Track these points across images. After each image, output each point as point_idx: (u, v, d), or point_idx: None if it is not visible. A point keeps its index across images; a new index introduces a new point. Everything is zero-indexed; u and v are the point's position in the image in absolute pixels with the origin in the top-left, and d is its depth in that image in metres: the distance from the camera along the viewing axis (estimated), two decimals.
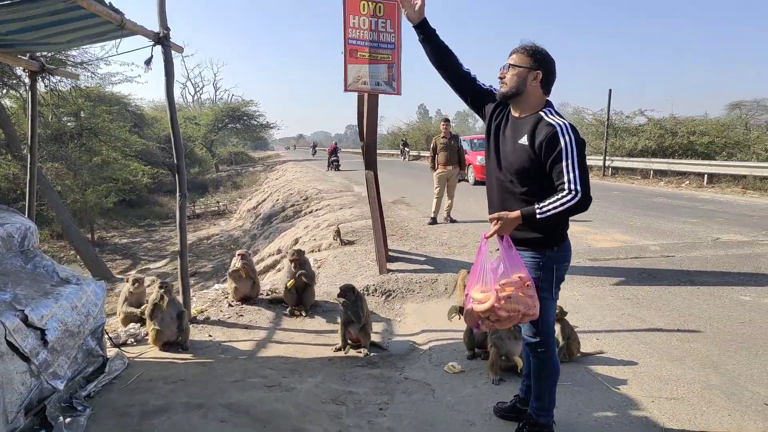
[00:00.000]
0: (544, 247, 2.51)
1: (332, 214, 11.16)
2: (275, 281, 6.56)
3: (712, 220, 9.47)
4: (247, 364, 3.85)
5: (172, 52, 4.50)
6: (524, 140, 2.45)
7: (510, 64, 2.51)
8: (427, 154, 10.76)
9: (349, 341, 4.14)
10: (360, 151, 6.59)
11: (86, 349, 3.43)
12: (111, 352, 3.88)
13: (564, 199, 2.30)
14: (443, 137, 9.36)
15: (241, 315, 4.95)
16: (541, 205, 2.34)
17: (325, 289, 5.65)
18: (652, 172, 18.66)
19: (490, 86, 2.78)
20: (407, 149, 36.12)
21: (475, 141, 17.81)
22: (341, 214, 10.84)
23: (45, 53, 8.09)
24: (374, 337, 4.32)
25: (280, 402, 3.21)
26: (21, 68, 5.47)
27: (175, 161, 4.75)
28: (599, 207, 10.52)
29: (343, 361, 3.95)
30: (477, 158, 15.50)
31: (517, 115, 2.56)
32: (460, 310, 3.81)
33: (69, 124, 18.82)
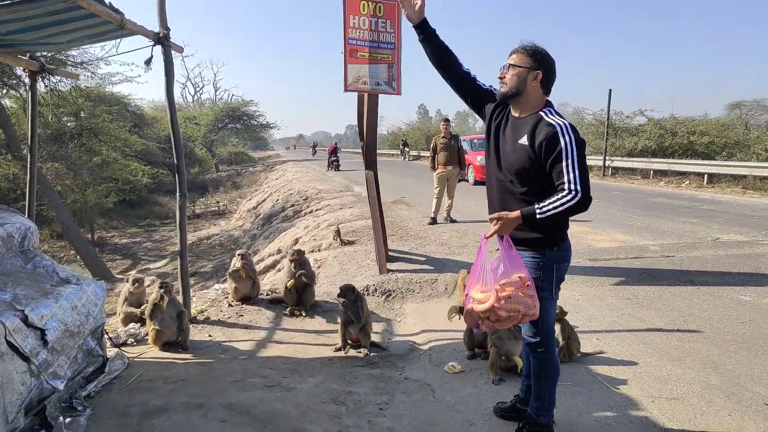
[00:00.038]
0: (544, 247, 2.51)
1: (332, 214, 11.15)
2: (275, 281, 6.56)
3: (712, 220, 9.47)
4: (247, 364, 3.85)
5: (172, 52, 4.50)
6: (524, 140, 2.45)
7: (510, 64, 2.51)
8: (427, 154, 10.76)
9: (349, 341, 4.14)
10: (360, 151, 6.59)
11: (86, 349, 3.43)
12: (111, 352, 3.88)
13: (564, 199, 2.30)
14: (443, 137, 9.36)
15: (241, 315, 4.95)
16: (541, 205, 2.34)
17: (325, 289, 5.65)
18: (652, 172, 18.66)
19: (490, 86, 2.78)
20: (407, 149, 36.13)
21: (475, 141, 17.81)
22: (341, 214, 10.84)
23: (45, 53, 8.09)
24: (374, 337, 4.32)
25: (280, 402, 3.21)
26: (21, 68, 5.47)
27: (175, 161, 4.74)
28: (599, 207, 10.53)
29: (343, 361, 3.95)
30: (477, 158, 15.49)
31: (517, 115, 2.56)
32: (460, 310, 3.81)
33: (69, 124, 18.82)
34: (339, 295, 4.07)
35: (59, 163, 17.29)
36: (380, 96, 5.87)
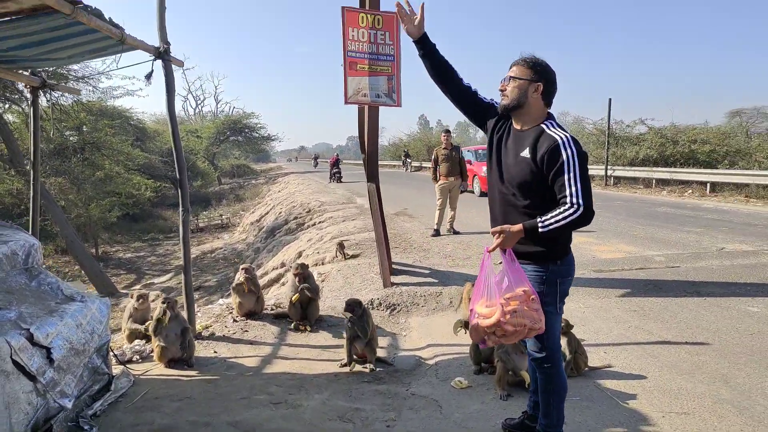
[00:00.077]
0: (547, 260, 2.50)
1: (335, 226, 11.15)
2: (279, 295, 6.54)
3: (716, 229, 9.45)
4: (253, 380, 3.83)
5: (173, 66, 4.52)
6: (526, 153, 2.45)
7: (510, 77, 2.52)
8: (429, 164, 10.78)
9: (354, 356, 4.11)
10: (362, 162, 6.59)
11: (92, 367, 3.41)
12: (116, 369, 3.86)
13: (566, 213, 2.29)
14: (444, 148, 9.38)
15: (246, 330, 4.93)
16: (543, 218, 2.33)
17: (330, 303, 5.63)
18: (654, 181, 18.65)
19: (491, 99, 2.78)
20: (409, 160, 36.22)
21: (480, 152, 17.83)
22: (344, 226, 10.83)
23: (46, 68, 8.15)
24: (380, 352, 4.29)
25: (286, 420, 3.18)
26: (23, 84, 5.50)
27: (178, 176, 4.75)
28: (602, 217, 10.51)
29: (349, 377, 3.92)
30: (483, 169, 15.50)
31: (518, 127, 2.56)
32: (466, 324, 3.80)
33: (72, 138, 18.89)
34: (346, 310, 4.04)
35: (62, 178, 17.34)
36: (381, 108, 5.88)
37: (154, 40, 4.38)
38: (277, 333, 4.92)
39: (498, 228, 2.43)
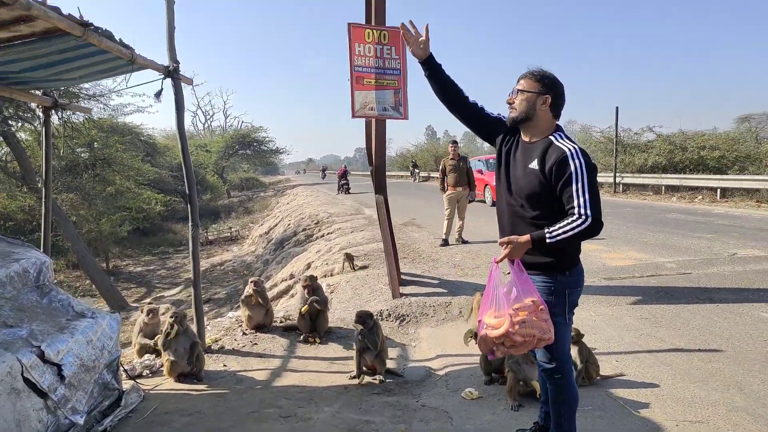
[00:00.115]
0: (556, 271, 2.49)
1: (344, 237, 11.16)
2: (288, 307, 6.54)
3: (727, 235, 9.36)
4: (263, 394, 3.83)
5: (182, 84, 4.57)
6: (534, 164, 2.45)
7: (518, 90, 2.53)
8: (437, 174, 10.81)
9: (364, 368, 4.10)
10: (369, 173, 6.62)
11: (102, 383, 3.43)
12: (127, 384, 3.87)
13: (574, 224, 2.29)
14: (452, 159, 9.41)
15: (256, 343, 4.93)
16: (551, 229, 2.33)
17: (339, 315, 5.62)
18: (663, 188, 18.53)
19: (498, 114, 2.79)
20: (417, 170, 36.32)
21: (491, 161, 17.83)
22: (353, 237, 10.84)
23: (58, 88, 8.27)
24: (389, 363, 4.28)
25: None
26: (35, 104, 5.59)
27: (188, 192, 4.79)
28: (612, 225, 10.44)
29: (359, 389, 3.91)
30: (494, 178, 15.48)
31: (527, 139, 2.57)
32: (476, 335, 3.77)
33: (83, 154, 19.10)
34: (356, 322, 4.03)
35: (74, 194, 17.51)
36: (388, 120, 5.91)
37: (164, 59, 4.44)
38: (286, 345, 4.92)
39: (506, 239, 2.43)
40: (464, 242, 9.47)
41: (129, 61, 3.87)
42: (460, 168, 9.33)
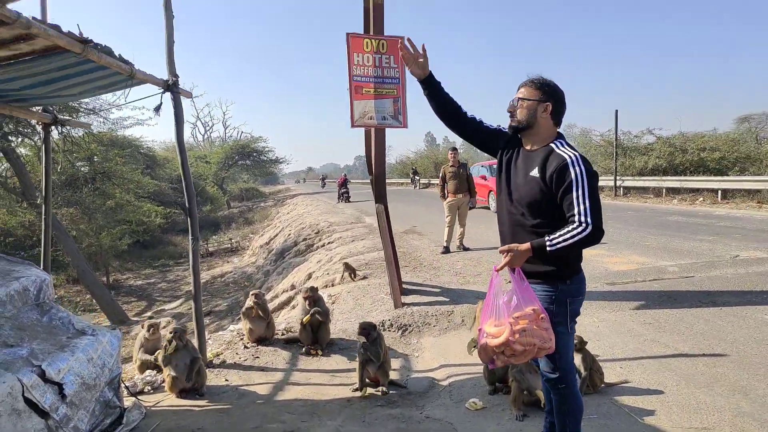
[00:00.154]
0: (557, 280, 2.47)
1: (344, 246, 11.15)
2: (290, 319, 6.52)
3: (729, 237, 9.34)
4: (265, 408, 3.80)
5: (181, 97, 4.57)
6: (535, 172, 2.44)
7: (519, 98, 2.53)
8: (437, 181, 10.82)
9: (367, 380, 4.07)
10: (369, 182, 6.62)
11: (103, 400, 3.40)
12: (128, 401, 3.84)
13: (574, 232, 2.28)
14: (452, 166, 9.40)
15: (257, 357, 4.91)
16: (552, 237, 2.32)
17: (341, 326, 5.60)
18: (664, 190, 18.54)
19: (498, 126, 2.78)
20: (417, 177, 36.37)
21: (494, 167, 17.81)
22: (353, 246, 10.82)
23: (58, 104, 8.29)
24: (392, 374, 4.25)
25: None
26: (35, 120, 5.60)
27: (187, 205, 4.78)
28: (613, 228, 10.43)
29: (362, 402, 3.88)
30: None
31: (528, 147, 2.56)
32: None
33: (83, 168, 19.12)
34: (360, 334, 4.01)
35: (74, 208, 17.50)
36: (387, 129, 5.91)
37: (163, 71, 4.45)
38: (288, 358, 4.90)
39: (506, 247, 2.42)
40: (465, 249, 9.45)
41: (128, 77, 3.88)
42: (460, 175, 9.33)
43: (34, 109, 5.02)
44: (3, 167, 17.07)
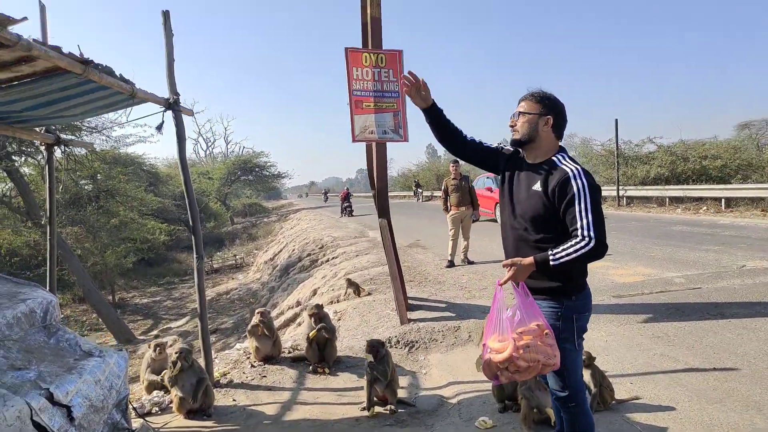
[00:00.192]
0: (562, 296, 2.45)
1: (349, 261, 11.13)
2: (296, 336, 6.49)
3: (734, 246, 9.30)
4: (273, 429, 3.77)
5: (183, 115, 4.60)
6: (538, 186, 2.44)
7: (520, 112, 2.54)
8: (439, 194, 10.83)
9: (375, 399, 4.04)
10: (372, 195, 6.62)
11: (111, 423, 3.38)
12: (136, 423, 3.82)
13: (577, 246, 2.27)
14: (453, 178, 9.39)
15: (264, 376, 4.88)
16: (555, 251, 2.31)
17: (347, 343, 5.57)
18: (667, 200, 18.51)
19: (498, 144, 2.79)
20: (420, 190, 36.43)
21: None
22: (357, 261, 10.81)
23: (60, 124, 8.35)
24: (400, 393, 4.21)
25: None
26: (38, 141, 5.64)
27: (191, 223, 4.79)
28: (618, 239, 10.38)
29: (371, 421, 3.85)
30: None
31: (530, 161, 2.56)
32: None
33: (86, 187, 19.22)
34: (368, 352, 3.98)
35: (78, 227, 17.57)
36: (388, 142, 5.92)
37: (164, 89, 4.48)
38: (295, 377, 4.87)
39: (509, 261, 2.41)
40: (470, 263, 9.42)
41: (130, 96, 3.90)
42: (462, 187, 9.32)
43: (36, 129, 5.05)
44: (7, 187, 17.16)
